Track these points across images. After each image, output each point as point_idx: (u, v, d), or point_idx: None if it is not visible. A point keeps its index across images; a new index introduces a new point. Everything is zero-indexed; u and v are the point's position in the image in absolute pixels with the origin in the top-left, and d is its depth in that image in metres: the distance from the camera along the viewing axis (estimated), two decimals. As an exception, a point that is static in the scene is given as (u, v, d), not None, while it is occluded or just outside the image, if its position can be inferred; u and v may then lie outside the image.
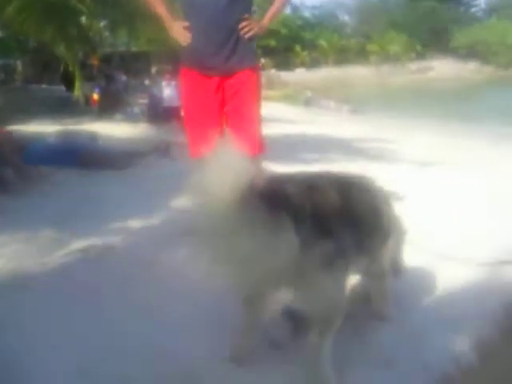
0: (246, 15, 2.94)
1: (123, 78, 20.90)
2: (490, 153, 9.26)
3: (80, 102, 13.73)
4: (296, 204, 1.85)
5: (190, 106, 3.02)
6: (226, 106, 2.96)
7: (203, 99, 2.93)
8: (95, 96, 14.40)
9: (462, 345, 2.27)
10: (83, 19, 13.51)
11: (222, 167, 1.58)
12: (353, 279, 2.48)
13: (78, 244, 3.53)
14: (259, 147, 2.93)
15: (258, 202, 1.71)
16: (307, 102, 22.94)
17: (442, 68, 44.68)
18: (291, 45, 44.03)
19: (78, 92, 14.41)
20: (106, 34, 24.34)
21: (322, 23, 51.00)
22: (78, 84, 14.72)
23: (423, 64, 45.51)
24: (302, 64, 42.91)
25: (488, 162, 7.43)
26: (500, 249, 3.33)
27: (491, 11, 54.04)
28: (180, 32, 2.93)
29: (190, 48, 2.93)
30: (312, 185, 1.96)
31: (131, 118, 12.38)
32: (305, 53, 43.55)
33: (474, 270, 3.07)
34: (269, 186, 2.04)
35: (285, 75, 38.11)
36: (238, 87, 2.93)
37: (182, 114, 3.24)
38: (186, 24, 2.91)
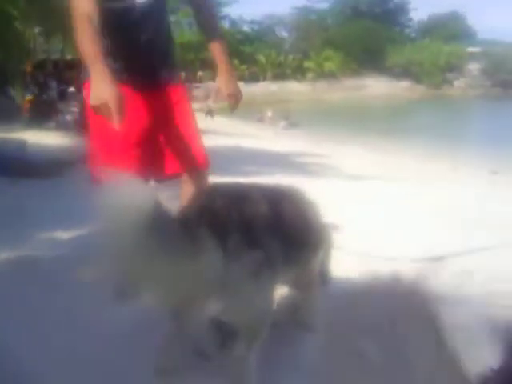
0: (165, 24, 2.74)
1: (63, 86, 20.43)
2: (418, 167, 9.62)
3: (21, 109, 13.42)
4: (221, 216, 1.85)
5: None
6: (165, 123, 2.62)
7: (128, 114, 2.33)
8: (27, 103, 14.05)
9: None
10: (17, 24, 13.21)
11: (123, 196, 1.54)
12: (282, 290, 2.49)
13: (3, 254, 3.40)
14: (207, 162, 2.75)
15: (173, 221, 1.72)
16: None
17: (376, 86, 46.03)
18: (230, 58, 44.26)
19: (19, 99, 14.04)
20: (40, 40, 23.83)
21: (261, 38, 51.62)
22: (18, 91, 14.35)
23: (358, 82, 46.71)
24: (241, 78, 43.17)
25: (415, 177, 7.72)
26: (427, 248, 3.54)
27: (424, 32, 56.21)
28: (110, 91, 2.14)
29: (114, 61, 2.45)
30: (239, 196, 1.96)
31: (63, 126, 12.12)
32: (243, 67, 43.85)
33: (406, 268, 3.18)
34: (194, 200, 2.04)
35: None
36: (175, 102, 2.65)
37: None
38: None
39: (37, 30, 20.56)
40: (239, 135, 14.45)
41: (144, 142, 2.54)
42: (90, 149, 2.60)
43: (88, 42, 2.22)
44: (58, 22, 16.04)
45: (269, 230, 1.94)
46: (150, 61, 2.60)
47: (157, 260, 1.62)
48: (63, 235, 3.88)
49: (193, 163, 2.69)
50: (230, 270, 1.78)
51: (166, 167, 2.67)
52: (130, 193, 1.53)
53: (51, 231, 3.93)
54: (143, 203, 1.53)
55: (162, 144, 2.64)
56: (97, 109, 2.15)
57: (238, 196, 1.95)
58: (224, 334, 2.19)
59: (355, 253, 3.29)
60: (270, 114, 24.99)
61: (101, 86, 2.13)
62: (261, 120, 24.60)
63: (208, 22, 2.76)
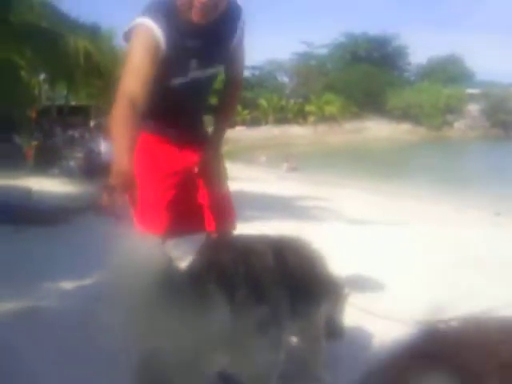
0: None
1: (70, 132, 20.67)
2: (420, 209, 9.63)
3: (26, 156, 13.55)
4: (228, 271, 1.86)
5: (151, 173, 2.50)
6: (203, 181, 2.64)
7: (170, 167, 2.53)
8: (31, 149, 14.20)
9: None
10: (23, 73, 13.49)
11: (135, 253, 1.57)
12: (288, 341, 2.48)
13: (8, 305, 3.39)
14: (236, 221, 2.75)
15: (183, 277, 1.74)
16: None
17: (377, 128, 46.39)
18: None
19: (24, 146, 14.22)
20: (45, 87, 24.25)
21: (262, 83, 52.38)
22: (24, 138, 14.54)
23: (359, 124, 47.11)
24: (243, 122, 43.66)
25: (418, 220, 7.72)
26: (433, 304, 3.44)
27: (423, 75, 56.90)
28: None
29: (159, 119, 2.53)
30: (246, 250, 1.97)
31: (67, 173, 12.19)
32: (245, 111, 44.36)
33: (411, 328, 3.14)
34: (204, 254, 2.06)
35: (226, 132, 38.54)
36: (210, 162, 2.68)
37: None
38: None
39: (42, 76, 20.95)
40: (243, 179, 14.46)
41: (180, 197, 2.53)
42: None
43: (123, 129, 2.20)
44: (63, 70, 16.40)
45: (276, 284, 1.96)
46: (193, 121, 2.68)
47: (166, 315, 1.64)
48: (69, 285, 3.87)
49: (224, 222, 2.67)
50: (238, 323, 1.79)
51: (199, 224, 2.63)
52: (141, 249, 1.56)
53: (57, 281, 3.92)
54: (154, 260, 1.55)
55: (196, 200, 2.63)
56: (112, 187, 2.19)
57: (245, 250, 1.96)
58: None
59: (357, 306, 3.26)
60: (264, 158, 25.27)
61: (120, 172, 2.17)
62: (261, 163, 24.83)
63: (226, 112, 2.83)
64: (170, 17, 2.28)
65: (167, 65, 2.29)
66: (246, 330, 1.82)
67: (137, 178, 2.39)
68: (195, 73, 2.44)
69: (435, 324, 0.68)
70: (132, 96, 2.19)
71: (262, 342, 1.87)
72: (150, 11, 2.30)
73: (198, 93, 2.59)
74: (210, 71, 2.52)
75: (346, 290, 2.56)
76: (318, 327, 2.36)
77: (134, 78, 2.23)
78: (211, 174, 2.64)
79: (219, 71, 2.63)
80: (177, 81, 2.42)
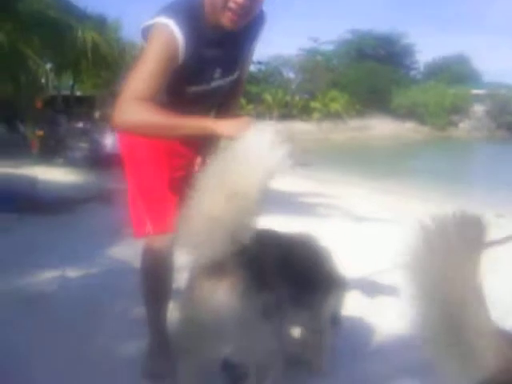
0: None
1: (75, 122, 20.68)
2: (424, 211, 9.64)
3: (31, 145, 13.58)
4: (237, 259, 1.88)
5: (156, 169, 2.40)
6: None
7: (174, 163, 2.44)
8: (36, 138, 14.21)
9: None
10: (30, 62, 13.54)
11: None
12: (294, 332, 2.52)
13: (13, 291, 3.42)
14: None
15: None
16: None
17: (381, 127, 46.29)
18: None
19: (29, 135, 14.28)
20: (52, 76, 24.26)
21: (268, 79, 52.30)
22: (29, 127, 14.58)
23: (363, 122, 47.01)
24: (247, 117, 43.57)
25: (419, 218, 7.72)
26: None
27: (429, 74, 56.65)
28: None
29: None
30: (254, 240, 1.97)
31: (72, 163, 12.19)
32: (250, 106, 44.29)
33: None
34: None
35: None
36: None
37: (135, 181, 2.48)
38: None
39: (48, 66, 20.99)
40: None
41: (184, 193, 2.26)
42: (130, 200, 2.47)
43: (161, 114, 2.02)
44: (70, 60, 16.45)
45: (281, 274, 1.98)
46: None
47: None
48: (73, 273, 3.88)
49: None
50: (243, 310, 1.82)
51: None
52: None
53: (62, 269, 3.93)
54: None
55: None
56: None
57: (253, 240, 1.96)
58: (236, 374, 2.20)
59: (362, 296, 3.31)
60: None
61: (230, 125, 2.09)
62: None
63: None
64: (196, 22, 2.11)
65: (188, 73, 2.17)
66: (250, 316, 1.84)
67: (140, 175, 2.43)
68: (217, 82, 2.33)
69: None
70: (144, 97, 2.00)
71: (266, 329, 1.90)
72: (173, 12, 2.10)
73: (216, 98, 2.48)
74: (230, 78, 2.41)
75: (347, 283, 2.58)
76: (323, 319, 2.40)
77: (143, 84, 2.02)
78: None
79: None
80: (197, 89, 2.29)
